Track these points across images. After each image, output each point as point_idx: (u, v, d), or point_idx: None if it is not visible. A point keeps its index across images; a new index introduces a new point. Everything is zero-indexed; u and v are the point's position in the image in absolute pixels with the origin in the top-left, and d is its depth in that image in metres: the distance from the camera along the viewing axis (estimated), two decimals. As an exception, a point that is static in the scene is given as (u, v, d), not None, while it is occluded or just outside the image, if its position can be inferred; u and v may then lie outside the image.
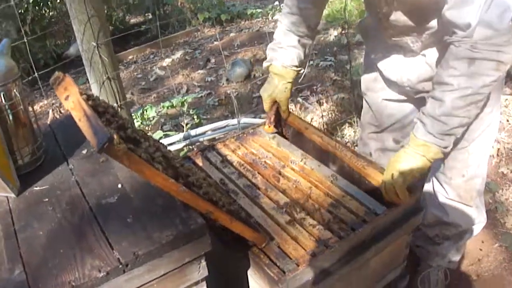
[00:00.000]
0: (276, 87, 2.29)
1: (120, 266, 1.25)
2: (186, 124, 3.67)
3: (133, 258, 1.26)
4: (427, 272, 2.81)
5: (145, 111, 3.66)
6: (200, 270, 1.43)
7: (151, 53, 6.73)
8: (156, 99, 5.11)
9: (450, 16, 1.73)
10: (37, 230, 1.43)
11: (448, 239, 2.66)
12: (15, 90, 1.65)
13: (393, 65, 2.30)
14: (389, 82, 2.42)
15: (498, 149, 3.85)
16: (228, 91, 5.11)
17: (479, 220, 2.65)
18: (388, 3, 1.99)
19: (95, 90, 2.75)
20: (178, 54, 6.40)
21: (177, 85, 5.48)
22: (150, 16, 7.34)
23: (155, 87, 5.54)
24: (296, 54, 2.26)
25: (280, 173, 2.08)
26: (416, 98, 2.36)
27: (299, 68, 2.29)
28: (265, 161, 2.15)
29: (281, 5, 7.22)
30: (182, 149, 3.39)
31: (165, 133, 3.54)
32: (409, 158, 1.90)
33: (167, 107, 3.75)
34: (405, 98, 2.47)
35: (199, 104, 4.60)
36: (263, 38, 6.36)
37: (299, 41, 2.26)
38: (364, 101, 2.73)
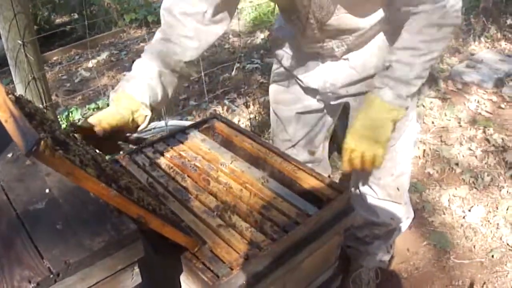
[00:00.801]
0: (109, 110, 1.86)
1: (51, 275, 1.19)
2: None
3: (65, 267, 1.20)
4: (358, 272, 2.88)
5: (70, 113, 3.55)
6: (134, 277, 1.38)
7: (76, 54, 6.58)
8: (82, 101, 4.98)
9: None
10: None
11: (378, 238, 2.72)
12: None
13: (314, 73, 2.30)
14: (308, 90, 2.40)
15: (424, 150, 3.98)
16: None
17: (408, 215, 2.73)
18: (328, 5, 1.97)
19: (20, 90, 2.66)
20: (104, 55, 6.28)
21: (103, 87, 5.36)
22: (76, 16, 7.16)
23: (80, 88, 5.41)
24: (150, 90, 1.89)
25: (210, 176, 2.05)
26: (333, 104, 2.39)
27: (145, 111, 1.89)
28: (194, 164, 2.12)
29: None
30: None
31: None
32: (383, 125, 1.94)
33: (93, 109, 3.67)
34: (321, 107, 2.47)
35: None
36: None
37: (159, 74, 1.93)
38: (273, 115, 2.68)
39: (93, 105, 3.71)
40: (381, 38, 2.11)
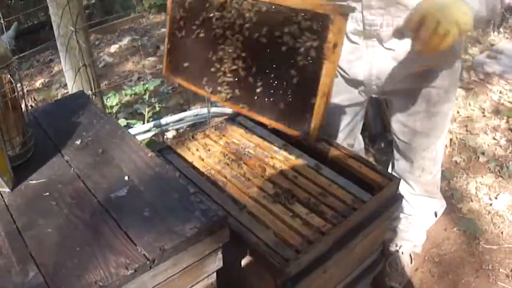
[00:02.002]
0: None
1: (148, 262, 1.23)
2: (148, 112, 3.64)
3: (160, 253, 1.24)
4: (394, 256, 2.92)
5: (107, 99, 3.58)
6: (217, 262, 1.43)
7: (96, 39, 6.57)
8: (108, 86, 5.01)
9: None
10: (44, 227, 1.36)
11: (413, 227, 2.77)
12: (8, 76, 1.58)
13: (359, 63, 2.23)
14: (352, 82, 2.35)
15: (451, 139, 4.00)
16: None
17: (441, 205, 2.78)
18: None
19: (70, 77, 2.68)
20: (125, 41, 6.27)
21: (128, 73, 5.39)
22: (94, 0, 7.15)
23: (105, 73, 5.42)
24: None
25: (265, 163, 2.09)
26: (374, 98, 2.36)
27: None
28: (248, 151, 2.16)
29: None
30: (150, 138, 3.38)
31: (128, 121, 3.49)
32: (465, 9, 1.63)
33: (130, 95, 3.69)
34: (362, 100, 2.45)
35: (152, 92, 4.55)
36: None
37: None
38: None
39: (129, 91, 3.72)
40: None
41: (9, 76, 1.58)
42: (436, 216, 2.93)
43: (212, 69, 1.95)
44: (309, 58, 1.61)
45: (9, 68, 1.59)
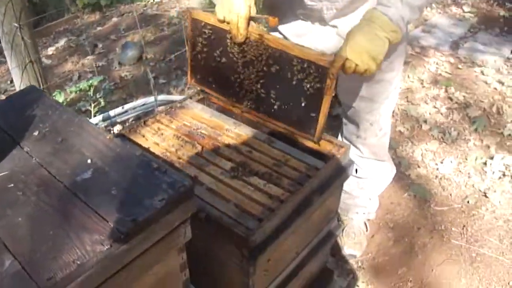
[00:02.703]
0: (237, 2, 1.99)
1: (122, 236, 1.25)
2: (94, 108, 3.63)
3: (132, 226, 1.27)
4: (350, 225, 3.02)
5: (54, 97, 3.56)
6: (187, 233, 1.46)
7: (32, 41, 6.46)
8: (52, 88, 4.96)
9: None
10: (13, 217, 1.37)
11: (364, 191, 2.87)
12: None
13: (305, 36, 2.37)
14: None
15: (393, 110, 4.14)
16: (123, 74, 5.07)
17: (391, 168, 2.90)
18: None
19: (17, 75, 2.65)
20: (62, 42, 6.20)
21: (68, 73, 5.34)
22: (26, 4, 7.00)
23: (45, 75, 5.34)
24: None
25: (218, 141, 2.15)
26: None
27: None
28: (200, 132, 2.21)
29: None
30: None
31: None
32: (381, 43, 1.91)
33: (75, 92, 3.68)
34: None
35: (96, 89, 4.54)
36: (148, 20, 6.33)
37: None
38: None
39: (74, 88, 3.69)
40: (369, 6, 2.17)
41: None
42: (386, 181, 3.05)
43: (235, 88, 2.24)
44: (312, 92, 1.99)
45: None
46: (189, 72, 2.41)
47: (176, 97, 3.73)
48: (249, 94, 2.21)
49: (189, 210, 1.43)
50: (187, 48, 2.33)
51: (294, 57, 1.99)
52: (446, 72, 4.73)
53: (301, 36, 2.37)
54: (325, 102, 1.96)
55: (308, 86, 1.99)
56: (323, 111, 1.98)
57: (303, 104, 2.04)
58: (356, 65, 1.89)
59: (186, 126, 2.25)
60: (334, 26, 2.28)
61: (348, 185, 2.84)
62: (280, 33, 2.47)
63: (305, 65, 1.96)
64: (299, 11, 2.31)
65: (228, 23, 2.05)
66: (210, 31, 2.21)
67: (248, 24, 2.05)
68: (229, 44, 2.17)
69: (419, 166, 3.65)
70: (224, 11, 2.03)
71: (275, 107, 2.14)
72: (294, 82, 2.03)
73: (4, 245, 1.29)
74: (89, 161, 1.54)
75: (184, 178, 1.42)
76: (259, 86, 2.16)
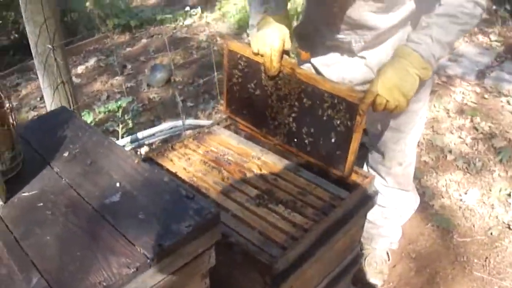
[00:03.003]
0: (270, 34, 2.11)
1: (148, 260, 1.28)
2: (122, 129, 3.69)
3: (159, 252, 1.30)
4: (372, 254, 3.01)
5: (82, 117, 3.62)
6: (211, 259, 1.48)
7: (62, 60, 6.58)
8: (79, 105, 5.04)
9: None
10: (42, 236, 1.40)
11: (388, 221, 2.87)
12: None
13: (333, 67, 2.41)
14: None
15: (419, 140, 4.13)
16: (151, 96, 5.13)
17: (415, 199, 2.90)
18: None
19: (48, 95, 2.70)
20: (92, 61, 6.30)
21: (97, 92, 5.42)
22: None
23: (74, 94, 5.43)
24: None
25: (244, 168, 2.17)
26: None
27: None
28: (227, 158, 2.23)
29: (191, 11, 7.26)
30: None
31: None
32: (412, 80, 1.92)
33: (104, 112, 3.74)
34: None
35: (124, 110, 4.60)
36: (177, 43, 6.40)
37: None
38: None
39: (102, 108, 3.76)
40: (397, 38, 2.22)
41: (-2, 92, 1.63)
42: (410, 212, 3.04)
43: (268, 120, 2.29)
44: (343, 129, 2.00)
45: (-2, 84, 1.63)
46: (224, 103, 2.46)
47: (203, 121, 3.79)
48: (281, 127, 2.23)
49: (215, 237, 1.45)
50: (224, 77, 2.39)
51: (325, 92, 2.00)
52: (472, 101, 4.71)
53: (329, 66, 2.41)
54: (355, 139, 1.96)
55: (338, 122, 2.00)
56: (353, 148, 1.99)
57: (333, 140, 2.05)
58: (387, 101, 1.91)
59: (213, 152, 2.28)
60: (362, 57, 2.31)
61: (372, 214, 2.83)
62: (311, 63, 2.50)
63: (336, 101, 1.98)
64: (329, 43, 2.35)
65: (262, 55, 2.10)
66: (245, 63, 2.25)
67: (282, 57, 2.11)
68: (263, 77, 2.21)
69: (443, 197, 3.63)
70: (258, 44, 2.09)
71: (306, 141, 2.16)
72: (324, 118, 2.04)
73: (32, 262, 1.32)
74: (117, 184, 1.57)
75: (211, 205, 1.44)
76: (291, 119, 2.18)
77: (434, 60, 1.93)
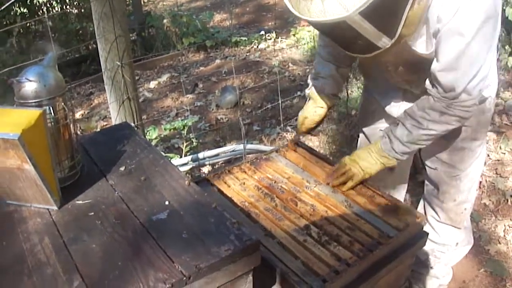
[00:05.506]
0: (308, 109, 2.50)
1: (184, 278, 1.32)
2: (186, 147, 3.77)
3: (196, 271, 1.34)
4: (420, 295, 2.96)
5: (148, 133, 3.73)
6: (247, 284, 1.51)
7: (136, 74, 6.77)
8: (146, 121, 5.17)
9: (440, 76, 1.97)
10: (89, 243, 1.48)
11: (439, 261, 2.82)
12: (62, 104, 1.72)
13: (395, 103, 2.49)
14: (388, 117, 2.59)
15: (480, 182, 4.02)
16: (219, 117, 5.22)
17: (468, 241, 2.86)
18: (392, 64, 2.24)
19: (114, 109, 2.81)
20: (164, 77, 6.45)
21: (166, 108, 5.55)
22: (135, 37, 7.39)
23: (144, 108, 5.59)
24: (334, 83, 2.46)
25: (297, 197, 2.19)
26: None
27: (335, 96, 2.51)
28: (281, 186, 2.26)
29: (266, 35, 7.36)
30: (187, 171, 3.51)
31: (166, 155, 3.62)
32: (372, 161, 2.26)
33: (169, 130, 3.84)
34: None
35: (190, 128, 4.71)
36: (249, 66, 6.48)
37: (337, 70, 2.44)
38: (361, 134, 2.89)
39: (168, 126, 3.85)
40: None
41: (63, 104, 1.72)
42: (461, 252, 2.98)
43: None
44: None
45: (64, 97, 1.73)
46: None
47: (264, 147, 3.84)
48: None
49: (253, 263, 1.48)
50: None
51: None
52: (539, 145, 4.57)
53: (389, 100, 2.55)
54: None
55: None
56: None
57: None
58: (348, 169, 2.25)
59: (268, 178, 2.31)
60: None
61: (423, 253, 2.80)
62: (376, 101, 2.64)
63: None
64: (391, 84, 2.48)
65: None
66: None
67: (309, 131, 2.60)
68: None
69: (499, 242, 3.52)
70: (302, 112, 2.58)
71: None
72: None
73: (75, 266, 1.40)
74: (166, 202, 1.64)
75: (252, 233, 1.47)
76: None
77: (394, 153, 2.21)
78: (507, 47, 5.23)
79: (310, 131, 2.61)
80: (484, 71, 1.96)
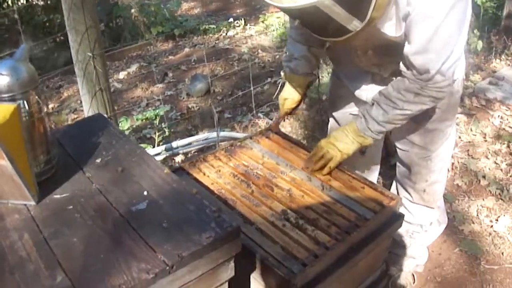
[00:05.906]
0: (287, 90, 2.57)
1: (167, 267, 1.33)
2: (158, 137, 3.76)
3: (178, 260, 1.35)
4: (397, 275, 3.00)
5: (120, 123, 3.71)
6: (229, 271, 1.53)
7: (105, 65, 6.71)
8: (117, 112, 5.11)
9: (413, 59, 1.99)
10: (69, 237, 1.47)
11: (414, 241, 2.87)
12: (35, 97, 1.70)
13: (364, 87, 2.51)
14: (357, 101, 2.61)
15: (453, 163, 4.09)
16: (190, 106, 5.20)
17: (442, 220, 2.93)
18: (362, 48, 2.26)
19: (86, 101, 2.78)
20: (134, 68, 6.40)
21: (137, 99, 5.51)
22: (103, 28, 7.29)
23: (114, 99, 5.52)
24: (307, 63, 2.51)
25: (272, 183, 2.21)
26: None
27: (311, 75, 2.57)
28: (257, 172, 2.27)
29: (235, 22, 7.34)
30: (161, 161, 3.49)
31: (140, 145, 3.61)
32: (349, 142, 2.29)
33: (141, 120, 3.82)
34: None
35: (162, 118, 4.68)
36: (219, 54, 6.46)
37: (309, 50, 2.48)
38: (331, 118, 2.92)
39: (140, 116, 3.84)
40: None
41: (36, 97, 1.70)
42: (436, 232, 3.04)
43: None
44: None
45: (37, 90, 1.71)
46: None
47: (238, 134, 3.84)
48: None
49: (234, 249, 1.50)
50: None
51: None
52: (510, 126, 4.65)
53: (361, 83, 2.54)
54: None
55: None
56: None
57: None
58: (325, 152, 2.29)
59: (244, 165, 2.33)
60: (391, 78, 2.36)
61: (399, 234, 2.84)
62: (344, 85, 2.63)
63: None
64: (360, 68, 2.49)
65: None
66: None
67: (289, 113, 2.68)
68: None
69: (473, 222, 3.59)
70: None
71: None
72: None
73: (58, 261, 1.40)
74: (145, 193, 1.64)
75: (233, 219, 1.48)
76: None
77: (370, 132, 2.23)
78: (475, 30, 5.29)
79: (292, 112, 2.66)
80: (457, 52, 1.99)
